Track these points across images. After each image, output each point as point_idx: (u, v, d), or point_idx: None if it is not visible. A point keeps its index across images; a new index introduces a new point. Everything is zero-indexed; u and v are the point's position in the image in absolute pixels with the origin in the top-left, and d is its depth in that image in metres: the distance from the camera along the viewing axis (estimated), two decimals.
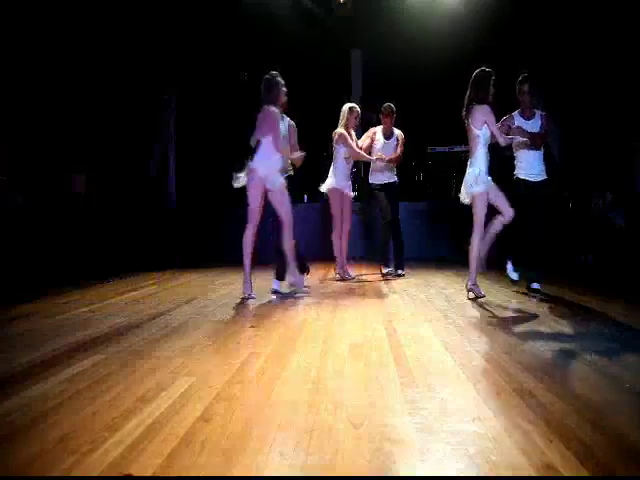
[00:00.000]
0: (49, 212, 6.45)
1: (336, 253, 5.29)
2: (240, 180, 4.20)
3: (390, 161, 5.31)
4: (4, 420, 1.81)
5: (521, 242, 4.33)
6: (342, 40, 8.00)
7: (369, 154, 5.34)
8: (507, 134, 4.14)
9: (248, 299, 4.18)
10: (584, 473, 1.39)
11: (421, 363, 2.41)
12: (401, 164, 5.59)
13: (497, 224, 4.00)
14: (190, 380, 2.18)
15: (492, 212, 4.02)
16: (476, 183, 3.94)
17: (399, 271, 5.47)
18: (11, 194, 6.14)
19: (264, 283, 4.69)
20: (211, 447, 1.56)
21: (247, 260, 4.23)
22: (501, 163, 4.38)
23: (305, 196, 8.10)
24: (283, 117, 4.42)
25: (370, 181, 5.57)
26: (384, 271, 5.48)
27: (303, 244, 4.72)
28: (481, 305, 3.89)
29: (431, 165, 8.78)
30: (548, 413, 1.79)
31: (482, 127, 3.96)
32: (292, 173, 4.55)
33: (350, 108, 5.20)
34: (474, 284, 4.08)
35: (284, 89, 4.29)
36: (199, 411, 1.84)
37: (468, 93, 4.02)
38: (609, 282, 4.89)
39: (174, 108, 8.52)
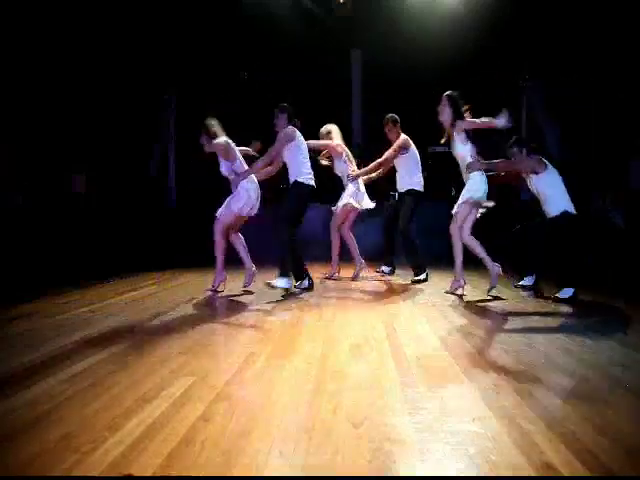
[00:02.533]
0: (49, 212, 6.45)
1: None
2: None
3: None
4: (5, 419, 1.81)
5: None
6: (342, 40, 8.01)
7: None
8: None
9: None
10: (584, 473, 1.40)
11: (421, 363, 2.41)
12: None
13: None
14: (190, 380, 2.18)
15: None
16: None
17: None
18: (11, 194, 6.14)
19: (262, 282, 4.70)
20: (211, 447, 1.56)
21: None
22: None
23: None
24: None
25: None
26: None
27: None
28: (481, 305, 3.89)
29: (431, 165, 8.78)
30: (548, 413, 1.79)
31: None
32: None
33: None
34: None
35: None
36: (199, 411, 1.84)
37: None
38: (609, 282, 4.89)
39: (174, 108, 8.53)
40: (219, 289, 4.63)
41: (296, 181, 4.57)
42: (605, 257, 5.76)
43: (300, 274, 4.58)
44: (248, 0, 7.34)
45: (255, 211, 4.58)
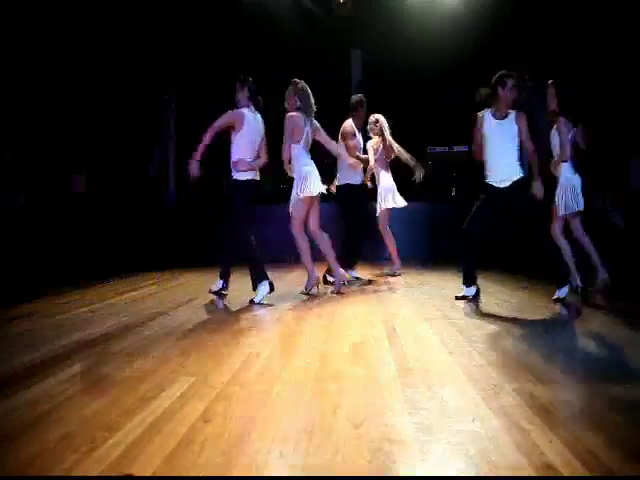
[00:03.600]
0: (49, 212, 6.46)
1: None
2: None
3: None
4: (5, 419, 1.81)
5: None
6: (342, 40, 8.01)
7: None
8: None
9: None
10: (584, 473, 1.39)
11: (421, 363, 2.41)
12: (401, 164, 5.60)
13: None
14: (190, 380, 2.18)
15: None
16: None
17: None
18: (12, 194, 6.15)
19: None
20: (211, 447, 1.56)
21: None
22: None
23: None
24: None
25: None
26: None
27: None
28: (481, 305, 3.89)
29: (431, 165, 8.78)
30: (548, 413, 1.79)
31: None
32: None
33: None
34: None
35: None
36: (199, 411, 1.84)
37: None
38: (609, 282, 4.86)
39: (174, 108, 8.54)
40: (312, 292, 4.41)
41: (232, 177, 4.18)
42: (605, 257, 5.75)
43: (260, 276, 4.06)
44: (248, 0, 7.34)
45: (318, 191, 4.29)
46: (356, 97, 5.39)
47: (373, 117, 5.48)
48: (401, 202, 5.51)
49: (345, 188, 5.21)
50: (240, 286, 4.71)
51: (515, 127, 3.91)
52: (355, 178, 5.25)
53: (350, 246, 5.26)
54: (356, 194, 5.26)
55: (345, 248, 5.17)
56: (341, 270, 4.56)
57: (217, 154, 4.48)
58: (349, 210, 5.27)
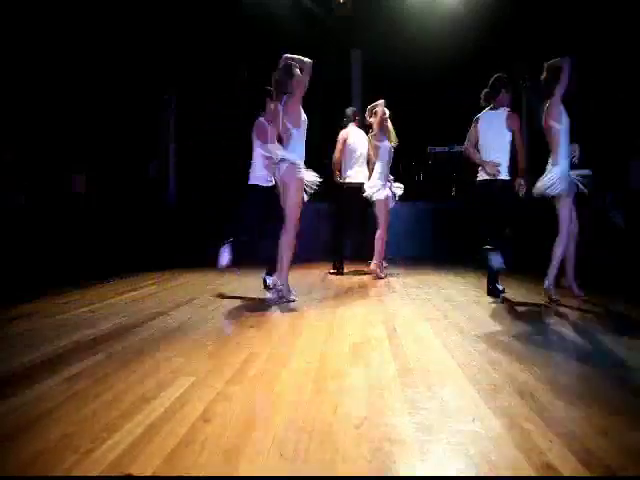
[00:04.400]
0: (49, 212, 6.46)
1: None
2: None
3: None
4: (6, 419, 1.81)
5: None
6: (342, 40, 8.00)
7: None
8: None
9: None
10: (584, 473, 1.40)
11: (421, 363, 2.41)
12: (401, 164, 5.66)
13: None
14: (190, 380, 2.18)
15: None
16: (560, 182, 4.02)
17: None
18: (12, 194, 6.14)
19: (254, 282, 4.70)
20: (211, 447, 1.56)
21: None
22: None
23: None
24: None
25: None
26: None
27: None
28: (481, 305, 3.89)
29: (431, 165, 8.79)
30: (548, 413, 1.79)
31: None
32: None
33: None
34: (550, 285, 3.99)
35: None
36: (199, 411, 1.84)
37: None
38: (609, 282, 4.88)
39: (174, 108, 8.52)
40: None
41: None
42: (605, 257, 5.75)
43: None
44: (248, 0, 7.34)
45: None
46: (351, 109, 5.88)
47: (387, 111, 5.54)
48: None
49: (361, 186, 5.55)
50: (239, 286, 4.72)
51: None
52: None
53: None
54: None
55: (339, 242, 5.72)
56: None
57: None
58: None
